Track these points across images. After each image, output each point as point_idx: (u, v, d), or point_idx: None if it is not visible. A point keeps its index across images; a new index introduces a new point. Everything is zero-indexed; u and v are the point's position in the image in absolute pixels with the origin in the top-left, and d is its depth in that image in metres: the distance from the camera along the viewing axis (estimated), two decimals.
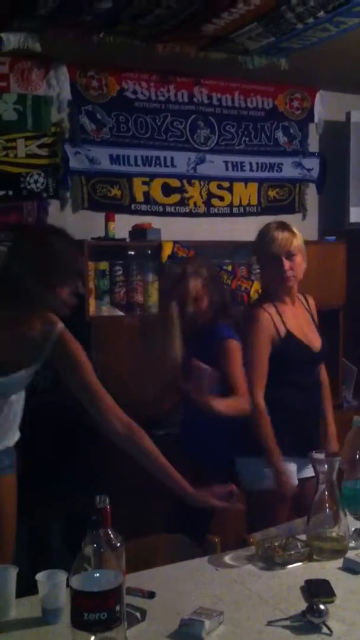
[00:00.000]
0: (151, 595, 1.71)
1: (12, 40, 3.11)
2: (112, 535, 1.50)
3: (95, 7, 2.83)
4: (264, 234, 2.67)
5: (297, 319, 2.71)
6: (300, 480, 2.64)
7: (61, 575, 1.60)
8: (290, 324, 2.65)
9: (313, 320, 2.81)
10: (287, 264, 2.61)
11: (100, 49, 3.25)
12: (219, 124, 4.08)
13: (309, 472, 2.52)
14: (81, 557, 1.42)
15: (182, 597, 1.71)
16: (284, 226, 2.67)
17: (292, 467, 2.61)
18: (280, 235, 2.62)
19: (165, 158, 3.92)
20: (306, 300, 2.83)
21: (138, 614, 1.61)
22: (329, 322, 4.12)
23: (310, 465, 2.50)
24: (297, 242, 2.64)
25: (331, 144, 4.37)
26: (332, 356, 4.23)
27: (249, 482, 2.62)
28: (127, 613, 1.49)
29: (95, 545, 1.42)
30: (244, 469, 2.67)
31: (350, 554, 1.93)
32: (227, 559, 1.96)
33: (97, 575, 1.41)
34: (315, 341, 2.73)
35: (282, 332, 2.63)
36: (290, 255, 2.62)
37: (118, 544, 1.51)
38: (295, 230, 2.67)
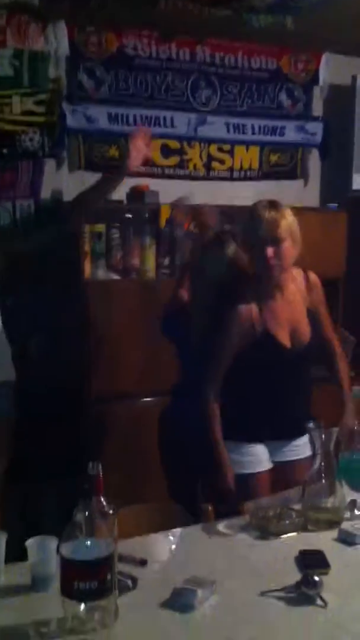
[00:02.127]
0: (143, 562, 1.69)
1: None
2: (104, 503, 1.46)
3: None
4: (252, 214, 2.42)
5: (283, 313, 2.45)
6: (279, 462, 2.50)
7: (52, 542, 1.57)
8: (271, 323, 2.42)
9: (311, 304, 2.55)
10: (270, 251, 2.34)
11: (99, 5, 3.14)
12: (221, 85, 3.96)
13: (290, 454, 2.49)
14: (72, 524, 1.39)
15: (175, 566, 1.69)
16: (273, 206, 2.40)
17: (259, 450, 2.46)
18: (267, 215, 2.36)
19: (165, 118, 3.82)
20: (307, 278, 2.56)
21: (129, 582, 1.59)
22: (328, 293, 4.08)
23: (293, 447, 2.48)
24: (286, 224, 2.36)
25: (336, 109, 4.26)
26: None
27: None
28: (118, 580, 1.46)
29: (86, 512, 1.39)
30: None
31: (345, 525, 1.91)
32: (221, 527, 1.94)
33: (89, 543, 1.38)
34: (303, 335, 2.48)
35: (259, 331, 2.40)
36: (276, 241, 2.35)
37: (110, 512, 1.48)
38: (286, 211, 2.41)
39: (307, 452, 2.41)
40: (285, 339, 2.44)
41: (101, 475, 1.47)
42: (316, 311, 2.55)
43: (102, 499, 1.47)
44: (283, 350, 2.43)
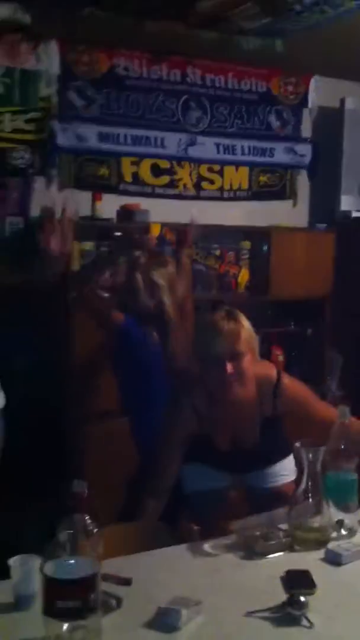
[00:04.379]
0: (127, 582, 1.67)
1: (1, 10, 3.04)
2: (88, 521, 1.45)
3: None
4: (207, 325, 2.22)
5: (226, 418, 2.25)
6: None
7: (35, 561, 1.55)
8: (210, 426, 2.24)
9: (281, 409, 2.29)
10: (230, 366, 2.13)
11: (90, 25, 3.18)
12: (212, 106, 4.01)
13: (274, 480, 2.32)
14: (56, 542, 1.38)
15: (159, 586, 1.67)
16: (231, 316, 2.19)
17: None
18: (226, 327, 2.15)
19: (155, 138, 3.85)
20: (278, 384, 2.29)
21: (114, 601, 1.56)
22: (315, 311, 4.11)
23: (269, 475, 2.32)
24: (246, 335, 2.18)
25: (324, 131, 4.32)
26: (317, 346, 4.23)
27: (190, 488, 2.32)
28: (102, 600, 1.45)
29: (70, 531, 1.38)
30: (188, 475, 2.33)
31: (332, 545, 1.89)
32: (207, 547, 1.92)
33: (72, 562, 1.36)
34: (247, 440, 2.27)
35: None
36: (236, 356, 2.15)
37: (94, 530, 1.46)
38: (243, 320, 2.21)
39: (287, 477, 2.31)
40: (222, 443, 2.26)
41: (86, 493, 1.46)
42: (294, 411, 2.32)
43: (87, 517, 1.46)
44: (218, 453, 2.26)
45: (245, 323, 2.21)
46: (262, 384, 2.27)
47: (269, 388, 2.28)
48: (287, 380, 2.33)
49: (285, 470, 2.37)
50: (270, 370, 2.33)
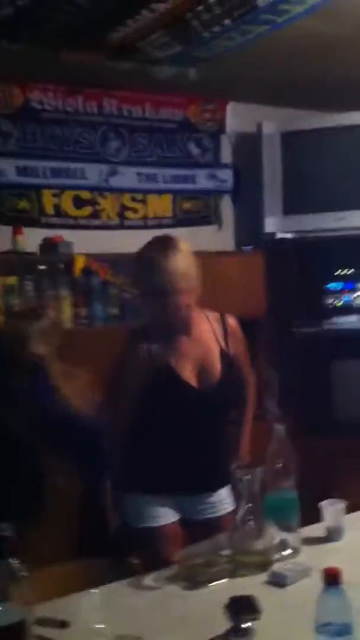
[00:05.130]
0: (63, 624, 1.59)
1: None
2: (14, 566, 1.37)
3: None
4: (143, 258, 2.23)
5: (190, 352, 2.30)
6: (192, 520, 2.35)
7: None
8: (173, 359, 2.27)
9: (227, 346, 2.40)
10: (166, 298, 2.18)
11: (2, 58, 3.14)
12: (130, 136, 4.01)
13: (204, 511, 2.36)
14: None
15: (98, 625, 1.60)
16: (166, 247, 2.21)
17: (162, 503, 2.30)
18: (162, 260, 2.16)
19: (75, 170, 3.81)
20: (225, 322, 2.43)
21: None
22: (251, 332, 4.11)
23: (207, 504, 2.35)
24: (183, 266, 2.19)
25: (244, 155, 4.37)
26: (255, 366, 4.22)
27: (134, 521, 2.31)
28: None
29: None
30: (129, 506, 2.33)
31: (276, 567, 1.86)
32: (148, 580, 1.86)
33: (0, 609, 1.28)
34: (212, 375, 2.33)
35: (158, 366, 2.24)
36: (172, 289, 2.18)
37: (23, 574, 1.39)
38: (180, 251, 2.22)
39: (226, 508, 2.33)
40: (191, 378, 2.31)
41: (13, 537, 1.38)
42: (234, 355, 2.42)
43: (15, 561, 1.38)
44: (187, 389, 2.28)
45: (181, 251, 2.20)
46: (209, 316, 2.39)
47: (217, 321, 2.40)
48: (230, 319, 2.43)
49: (226, 500, 2.35)
50: (212, 309, 2.41)
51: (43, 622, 1.52)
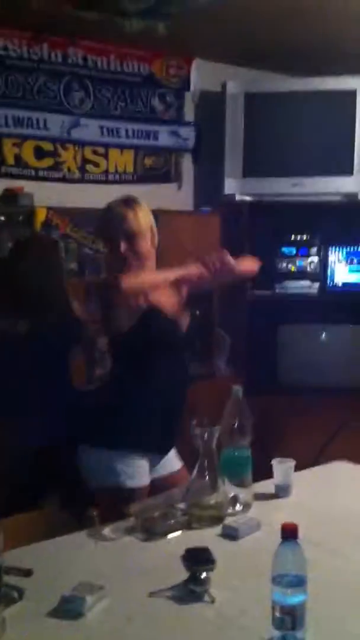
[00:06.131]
0: (28, 573, 1.65)
1: None
2: None
3: None
4: (106, 209, 2.38)
5: (162, 296, 2.35)
6: (155, 478, 2.40)
7: None
8: (154, 298, 2.31)
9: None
10: (124, 246, 2.30)
11: None
12: (95, 87, 3.95)
13: (170, 466, 2.45)
14: None
15: (61, 574, 1.66)
16: (127, 202, 2.36)
17: (142, 464, 2.35)
18: (121, 210, 2.32)
19: (37, 120, 3.75)
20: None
21: (15, 593, 1.54)
22: (203, 293, 4.17)
23: (167, 461, 2.44)
24: (142, 218, 2.32)
25: (207, 114, 4.36)
26: (205, 327, 4.29)
27: (94, 479, 2.34)
28: (4, 593, 1.42)
29: None
30: (90, 463, 2.36)
31: (228, 521, 1.95)
32: (106, 531, 1.93)
33: None
34: (183, 321, 2.44)
35: (145, 304, 2.28)
36: (130, 236, 2.30)
37: None
38: (140, 207, 2.36)
39: (176, 465, 2.45)
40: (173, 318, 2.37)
41: None
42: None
43: None
44: (173, 327, 2.36)
45: (140, 208, 2.35)
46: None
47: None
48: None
49: (174, 458, 2.43)
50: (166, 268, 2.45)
51: (8, 570, 1.57)
